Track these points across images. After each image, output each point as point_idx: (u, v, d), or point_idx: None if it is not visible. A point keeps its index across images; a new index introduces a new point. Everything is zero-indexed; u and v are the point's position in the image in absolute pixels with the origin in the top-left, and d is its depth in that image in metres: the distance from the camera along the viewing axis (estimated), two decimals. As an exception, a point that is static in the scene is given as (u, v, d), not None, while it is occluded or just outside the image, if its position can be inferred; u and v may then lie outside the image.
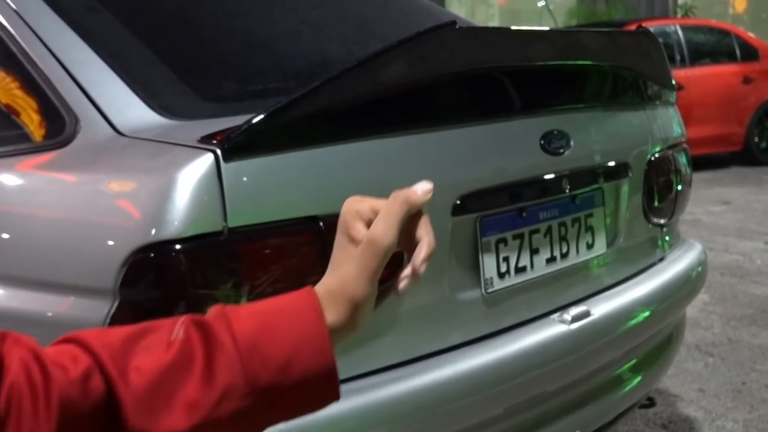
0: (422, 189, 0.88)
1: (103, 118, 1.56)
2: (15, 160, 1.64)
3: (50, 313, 1.47)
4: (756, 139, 10.02)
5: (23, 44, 1.69)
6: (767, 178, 9.08)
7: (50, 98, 1.62)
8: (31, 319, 1.50)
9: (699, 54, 9.91)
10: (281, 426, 1.38)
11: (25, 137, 1.69)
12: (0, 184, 1.65)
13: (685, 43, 9.68)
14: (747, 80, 9.86)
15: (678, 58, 9.46)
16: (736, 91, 9.81)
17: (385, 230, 0.83)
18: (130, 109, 1.58)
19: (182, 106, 1.63)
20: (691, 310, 4.05)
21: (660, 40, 2.25)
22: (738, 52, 10.03)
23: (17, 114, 1.74)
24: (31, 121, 1.69)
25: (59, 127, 1.59)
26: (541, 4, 18.39)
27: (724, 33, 10.32)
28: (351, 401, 1.50)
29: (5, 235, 1.57)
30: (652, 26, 9.58)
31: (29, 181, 1.62)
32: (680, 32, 9.77)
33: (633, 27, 9.13)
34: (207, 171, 1.36)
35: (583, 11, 15.72)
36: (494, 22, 22.87)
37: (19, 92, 1.72)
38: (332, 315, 0.82)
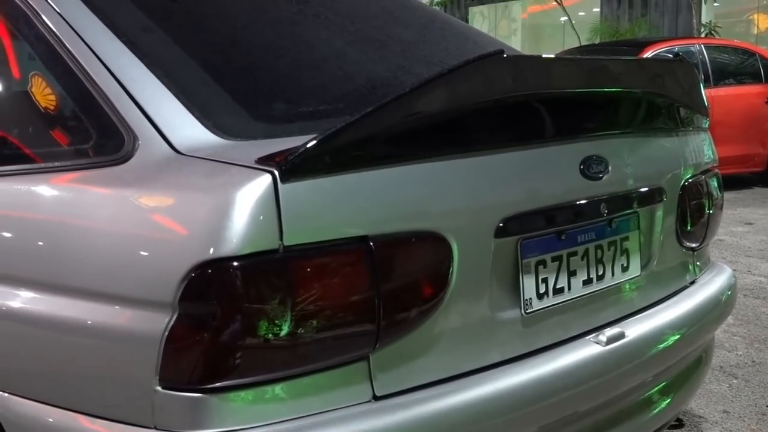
0: None
1: (161, 136, 1.62)
2: (75, 175, 1.71)
3: (111, 324, 1.53)
4: (779, 161, 10.01)
5: (82, 62, 1.75)
6: (789, 200, 9.07)
7: (109, 116, 1.68)
8: (91, 329, 1.56)
9: (723, 74, 9.92)
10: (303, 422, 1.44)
11: (84, 153, 1.75)
12: (61, 197, 1.72)
13: (709, 63, 9.69)
14: (771, 101, 9.87)
15: (701, 77, 9.47)
16: (760, 112, 9.81)
17: None
18: (186, 128, 1.63)
19: (236, 126, 1.68)
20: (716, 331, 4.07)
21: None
22: (762, 72, 10.03)
23: (77, 130, 1.80)
24: (90, 137, 1.75)
25: (118, 144, 1.65)
26: (563, 19, 18.43)
27: (749, 53, 10.32)
28: (395, 416, 1.55)
29: (67, 247, 1.63)
30: (675, 46, 9.63)
31: (89, 196, 1.67)
32: (704, 52, 9.78)
33: (657, 46, 9.14)
34: (265, 191, 1.41)
35: (606, 28, 15.73)
36: (516, 37, 22.91)
37: (78, 109, 1.78)
38: None
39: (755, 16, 19.88)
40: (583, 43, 14.30)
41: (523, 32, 24.22)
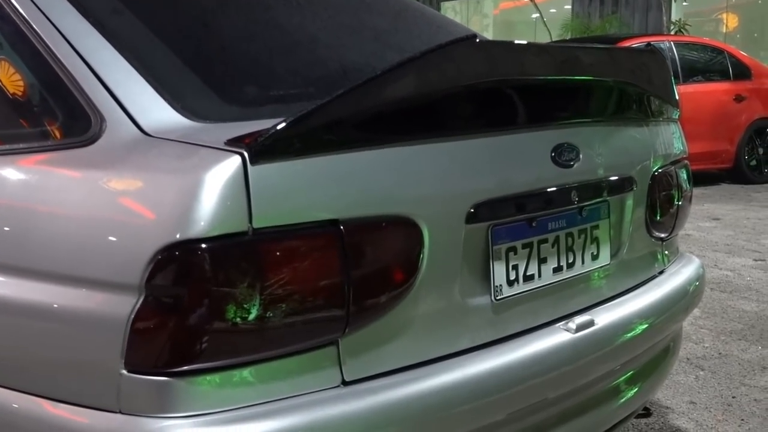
0: None
1: (129, 118, 1.59)
2: (42, 157, 1.68)
3: (76, 307, 1.50)
4: (746, 157, 10.12)
5: (49, 44, 1.72)
6: (756, 196, 9.18)
7: (76, 97, 1.65)
8: (57, 312, 1.54)
9: (692, 71, 10.01)
10: (289, 421, 1.43)
11: (50, 135, 1.72)
12: (27, 179, 1.69)
13: (679, 60, 9.76)
14: (739, 98, 9.97)
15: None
16: (728, 109, 9.92)
17: None
18: (155, 111, 1.61)
19: (206, 109, 1.66)
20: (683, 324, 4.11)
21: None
22: (731, 70, 10.14)
23: (43, 112, 1.77)
24: (57, 118, 1.72)
25: (85, 125, 1.62)
26: (535, 16, 18.48)
27: (717, 51, 10.42)
28: (363, 401, 1.54)
29: (33, 230, 1.60)
30: (646, 42, 9.69)
31: (56, 177, 1.65)
32: (674, 49, 9.86)
33: (627, 42, 9.19)
34: (234, 173, 1.40)
35: (578, 25, 15.79)
36: (488, 33, 22.96)
37: (45, 90, 1.75)
38: None
39: (724, 15, 20.08)
40: (554, 39, 14.35)
41: (494, 28, 24.30)
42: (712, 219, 7.69)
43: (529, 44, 1.87)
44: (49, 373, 1.58)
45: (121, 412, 1.45)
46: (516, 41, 1.87)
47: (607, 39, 10.59)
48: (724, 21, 20.03)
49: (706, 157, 9.57)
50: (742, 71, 10.18)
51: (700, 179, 9.55)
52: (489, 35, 22.36)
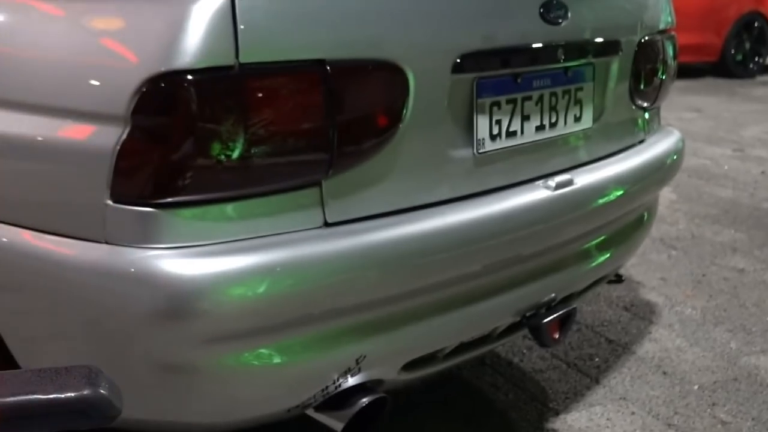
0: None
1: None
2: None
3: (62, 138, 1.50)
4: (732, 51, 10.07)
5: None
6: (740, 90, 9.19)
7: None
8: (43, 144, 1.54)
9: (684, -40, 9.85)
10: (270, 256, 1.45)
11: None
12: (11, 13, 1.66)
13: (672, -51, 9.60)
14: (729, -9, 9.87)
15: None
16: (717, 2, 9.82)
17: None
18: None
19: None
20: (659, 207, 4.17)
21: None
22: (723, -39, 10.00)
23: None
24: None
25: (69, -43, 1.59)
26: None
27: (711, -59, 10.24)
28: (345, 241, 1.57)
29: (18, 61, 1.59)
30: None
31: (42, 11, 1.62)
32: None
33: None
34: (222, 5, 1.39)
35: None
36: None
37: None
38: None
39: None
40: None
41: None
42: (694, 110, 7.72)
43: None
44: (35, 205, 1.59)
45: (106, 242, 1.47)
46: None
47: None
48: None
49: (693, 49, 9.50)
50: (735, -38, 10.04)
51: (685, 72, 9.53)
52: None
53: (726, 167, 5.52)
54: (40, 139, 1.55)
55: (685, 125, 6.86)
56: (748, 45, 10.20)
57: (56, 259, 1.55)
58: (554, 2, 1.90)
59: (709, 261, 3.75)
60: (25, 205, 1.61)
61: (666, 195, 4.66)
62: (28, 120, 1.56)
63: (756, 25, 10.21)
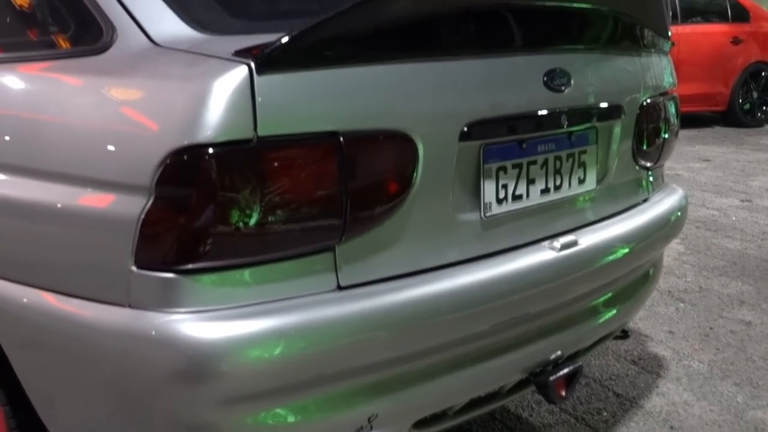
0: None
1: (139, 28, 1.66)
2: (54, 64, 1.74)
3: (88, 207, 1.58)
4: (740, 101, 10.17)
5: None
6: (748, 140, 9.25)
7: (88, 8, 1.72)
8: (70, 212, 1.62)
9: (691, 12, 10.00)
10: (285, 320, 1.52)
11: (63, 43, 1.78)
12: (40, 85, 1.75)
13: (678, 0, 9.75)
14: (736, 41, 9.98)
15: (669, 14, 9.50)
16: (725, 52, 9.93)
17: None
18: (165, 22, 1.68)
19: (213, 22, 1.73)
20: (666, 259, 4.22)
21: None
22: (729, 12, 10.12)
23: (56, 21, 1.83)
24: (69, 27, 1.78)
25: (96, 34, 1.69)
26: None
27: (717, -8, 10.39)
28: (357, 304, 1.64)
29: (45, 132, 1.68)
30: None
31: (68, 82, 1.71)
32: (674, -11, 9.83)
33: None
34: (241, 82, 1.47)
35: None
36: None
37: (58, 1, 1.80)
38: None
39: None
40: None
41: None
42: (702, 160, 7.78)
43: None
44: (61, 270, 1.67)
45: (130, 306, 1.54)
46: None
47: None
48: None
49: (701, 98, 9.63)
50: (740, 13, 10.16)
51: (693, 121, 9.64)
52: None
53: (734, 218, 5.57)
54: (64, 206, 1.63)
55: (694, 175, 6.93)
56: (755, 94, 10.29)
57: (81, 322, 1.62)
58: (558, 70, 1.98)
59: (716, 314, 3.79)
60: (50, 269, 1.69)
61: (674, 247, 4.71)
62: (54, 188, 1.64)
63: (763, 74, 10.30)
